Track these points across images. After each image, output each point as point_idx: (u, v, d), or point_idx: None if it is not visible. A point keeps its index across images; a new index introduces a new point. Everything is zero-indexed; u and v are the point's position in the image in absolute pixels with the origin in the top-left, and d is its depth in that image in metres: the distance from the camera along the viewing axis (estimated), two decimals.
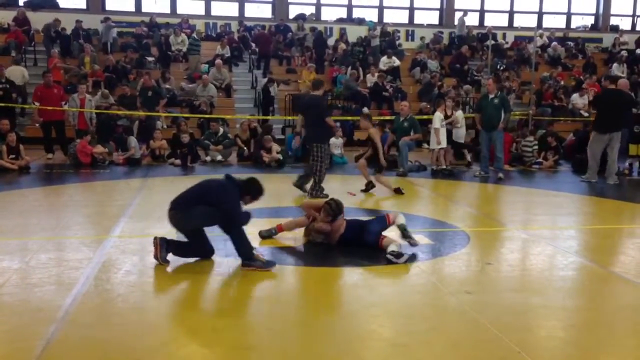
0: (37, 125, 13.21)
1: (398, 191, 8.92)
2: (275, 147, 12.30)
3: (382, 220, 5.93)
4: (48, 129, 12.65)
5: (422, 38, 22.15)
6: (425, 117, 13.86)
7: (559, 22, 24.88)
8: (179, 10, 21.64)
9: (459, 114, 12.40)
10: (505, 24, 24.29)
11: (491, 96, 10.83)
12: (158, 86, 15.68)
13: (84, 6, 20.94)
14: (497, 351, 3.57)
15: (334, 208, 5.72)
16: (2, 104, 12.85)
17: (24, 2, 20.16)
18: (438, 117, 11.40)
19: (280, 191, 9.30)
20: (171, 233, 5.36)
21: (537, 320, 4.17)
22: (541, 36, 21.54)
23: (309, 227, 5.93)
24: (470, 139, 13.57)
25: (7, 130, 11.27)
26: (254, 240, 5.52)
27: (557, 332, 3.98)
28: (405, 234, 5.73)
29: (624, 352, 3.71)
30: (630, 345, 3.81)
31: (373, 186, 9.11)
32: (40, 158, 12.25)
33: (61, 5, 20.66)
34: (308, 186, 8.70)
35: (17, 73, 15.38)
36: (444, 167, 11.39)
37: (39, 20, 18.96)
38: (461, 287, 4.72)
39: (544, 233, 6.75)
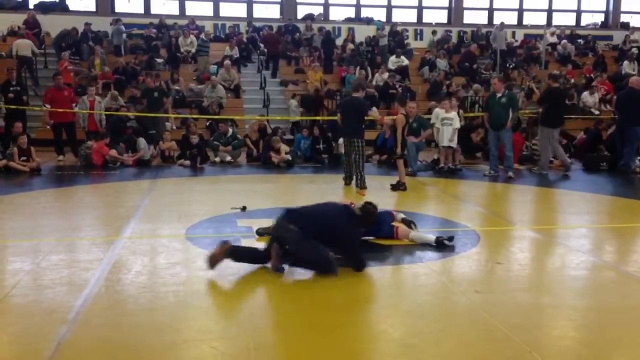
0: (47, 127, 13.29)
1: (398, 187, 9.14)
2: (284, 147, 12.29)
3: (388, 212, 6.28)
4: (59, 131, 12.71)
5: (433, 32, 21.93)
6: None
7: (569, 20, 24.72)
8: (188, 12, 21.70)
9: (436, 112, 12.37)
10: (515, 22, 24.16)
11: (498, 95, 10.79)
12: (167, 87, 15.71)
13: (93, 8, 21.05)
14: (508, 351, 3.56)
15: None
16: (14, 107, 12.93)
17: (34, 5, 20.30)
18: (435, 114, 11.66)
19: (288, 192, 9.32)
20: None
21: (548, 319, 4.15)
22: (551, 34, 21.38)
23: None
24: (480, 138, 13.51)
25: (18, 132, 11.35)
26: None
27: (568, 332, 3.96)
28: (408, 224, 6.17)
29: (636, 353, 3.68)
30: None
31: (404, 187, 9.23)
32: (51, 160, 12.32)
33: (71, 8, 20.79)
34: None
35: (26, 46, 15.89)
36: (450, 165, 11.41)
37: (49, 23, 19.09)
38: (471, 287, 4.71)
39: (555, 232, 6.71)
